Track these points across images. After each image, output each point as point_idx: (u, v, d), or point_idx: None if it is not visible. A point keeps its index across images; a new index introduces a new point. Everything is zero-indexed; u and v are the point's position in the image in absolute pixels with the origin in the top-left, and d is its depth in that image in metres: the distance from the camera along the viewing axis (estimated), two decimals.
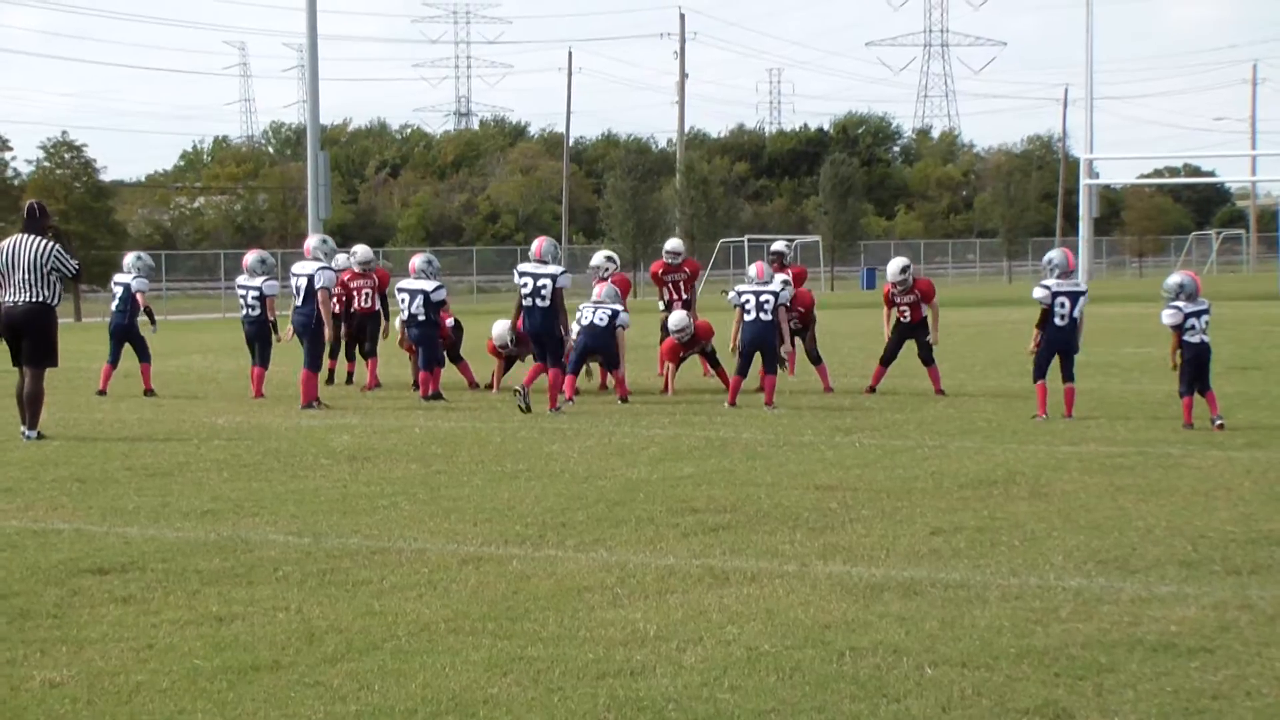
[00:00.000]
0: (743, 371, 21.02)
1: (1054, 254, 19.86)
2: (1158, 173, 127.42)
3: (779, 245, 26.31)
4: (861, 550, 11.10)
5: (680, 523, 12.18)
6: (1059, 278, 19.49)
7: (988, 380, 24.84)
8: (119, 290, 24.20)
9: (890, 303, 22.60)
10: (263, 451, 16.54)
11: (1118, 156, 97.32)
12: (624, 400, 21.50)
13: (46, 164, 66.81)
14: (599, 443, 17.15)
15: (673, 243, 25.69)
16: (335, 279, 22.34)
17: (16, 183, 64.59)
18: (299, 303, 21.48)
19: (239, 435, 18.01)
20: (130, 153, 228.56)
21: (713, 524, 12.14)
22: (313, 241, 22.61)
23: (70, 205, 63.70)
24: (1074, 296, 19.41)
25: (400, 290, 22.46)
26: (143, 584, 10.10)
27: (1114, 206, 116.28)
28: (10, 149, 64.83)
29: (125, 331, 24.01)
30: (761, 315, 20.67)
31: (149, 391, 23.48)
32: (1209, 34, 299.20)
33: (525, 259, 21.25)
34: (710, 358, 23.50)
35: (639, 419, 19.51)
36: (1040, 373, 19.41)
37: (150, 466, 15.38)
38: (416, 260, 22.80)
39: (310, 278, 21.40)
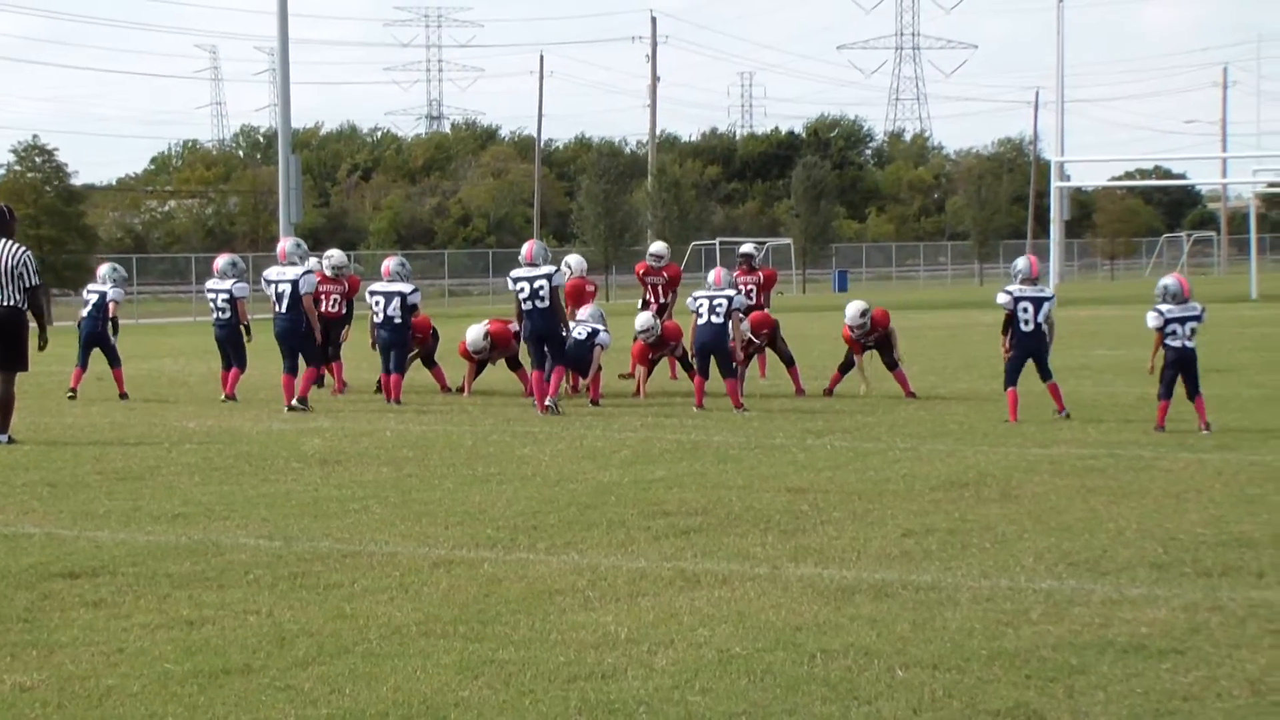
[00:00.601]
0: (703, 372, 21.24)
1: (1020, 261, 20.08)
2: (1129, 175, 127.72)
3: (747, 247, 26.40)
4: (833, 552, 11.12)
5: (652, 525, 12.18)
6: (1022, 283, 19.60)
7: (959, 383, 24.89)
8: (93, 298, 24.16)
9: (855, 343, 22.52)
10: (234, 455, 16.51)
11: (1089, 159, 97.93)
12: (595, 403, 21.52)
13: (17, 168, 66.59)
14: (570, 446, 17.15)
15: (657, 246, 25.78)
16: (316, 283, 22.30)
17: None
18: (282, 309, 21.38)
19: (210, 439, 17.98)
20: (101, 156, 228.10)
21: (684, 527, 12.14)
22: (288, 245, 22.45)
23: (41, 209, 63.49)
24: (1038, 302, 19.50)
25: (373, 293, 22.37)
26: (113, 588, 10.08)
27: (1085, 209, 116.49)
28: None
29: (96, 338, 23.99)
30: (714, 318, 20.81)
31: (124, 395, 23.44)
32: (1180, 37, 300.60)
33: (516, 264, 21.27)
34: (682, 360, 23.57)
35: (610, 422, 19.52)
36: (1011, 379, 19.46)
37: (121, 470, 15.34)
38: (390, 263, 22.80)
39: (295, 284, 21.32)
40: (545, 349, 20.78)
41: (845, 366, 22.89)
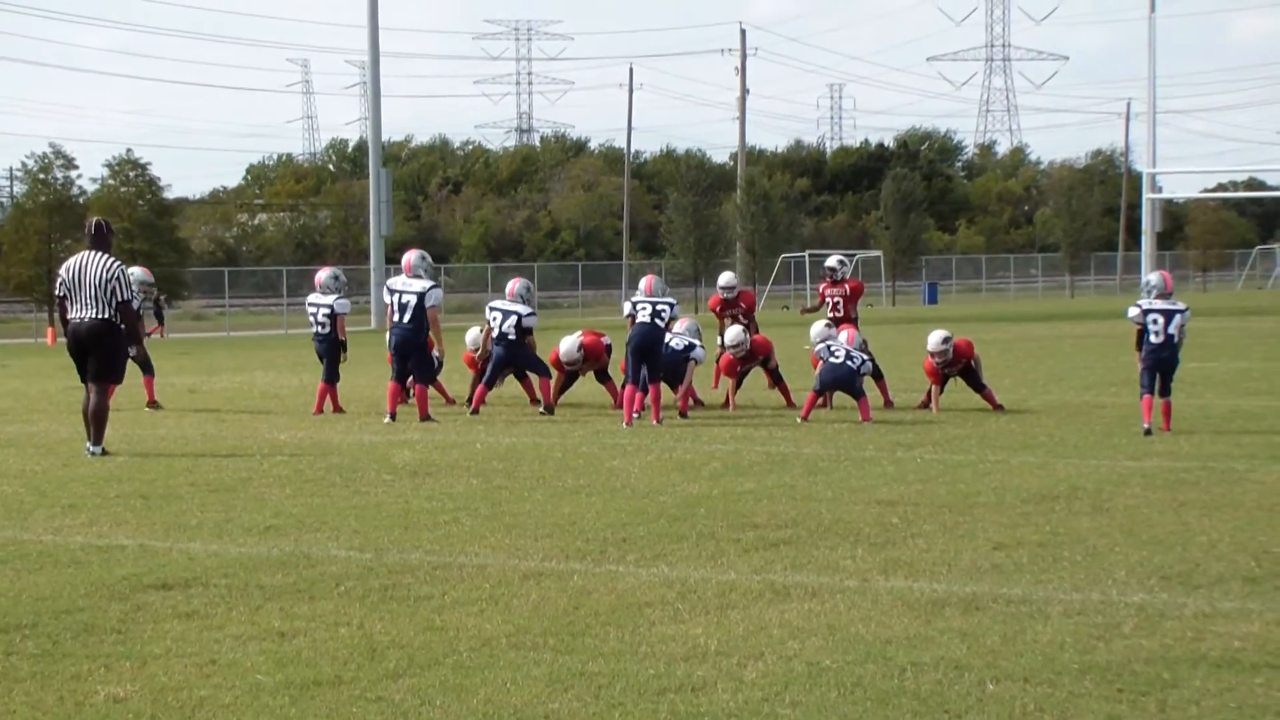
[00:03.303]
0: (822, 395, 21.83)
1: (1153, 276, 20.28)
2: (1221, 187, 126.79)
3: (831, 260, 26.33)
4: (923, 565, 11.07)
5: (741, 538, 12.16)
6: (1156, 298, 19.58)
7: (1049, 395, 24.74)
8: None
9: (935, 373, 22.40)
10: (325, 467, 16.60)
11: (1181, 170, 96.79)
12: (684, 415, 21.55)
13: (111, 181, 67.25)
14: (660, 458, 17.15)
15: (726, 277, 25.79)
16: (443, 297, 22.55)
17: (82, 200, 65.04)
18: (404, 320, 21.49)
19: (301, 451, 18.08)
20: (193, 169, 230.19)
21: (773, 539, 12.12)
22: (414, 258, 22.21)
23: (134, 223, 64.20)
24: (1168, 314, 19.44)
25: (493, 309, 22.64)
26: (206, 599, 10.14)
27: (1177, 221, 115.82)
28: (76, 167, 65.36)
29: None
30: (849, 363, 21.43)
31: (152, 404, 23.57)
32: (1273, 47, 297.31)
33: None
34: (774, 373, 23.57)
35: (699, 434, 19.51)
36: (1146, 389, 19.41)
37: (213, 482, 15.45)
38: (516, 285, 22.96)
39: (421, 296, 21.45)
40: (645, 364, 21.01)
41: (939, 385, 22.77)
